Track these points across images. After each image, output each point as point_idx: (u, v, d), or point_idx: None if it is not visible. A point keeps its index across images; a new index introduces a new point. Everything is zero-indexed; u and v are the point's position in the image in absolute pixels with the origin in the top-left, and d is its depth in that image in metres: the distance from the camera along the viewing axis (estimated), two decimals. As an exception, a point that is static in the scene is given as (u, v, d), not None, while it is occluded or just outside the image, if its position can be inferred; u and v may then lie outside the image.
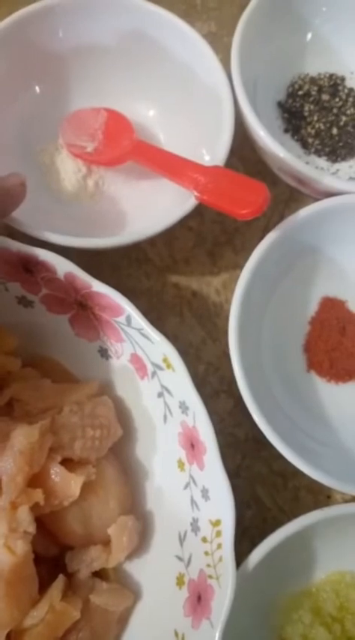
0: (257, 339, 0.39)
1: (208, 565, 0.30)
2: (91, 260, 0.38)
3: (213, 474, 0.30)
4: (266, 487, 0.40)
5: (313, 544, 0.36)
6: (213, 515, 0.31)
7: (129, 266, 0.43)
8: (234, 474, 0.39)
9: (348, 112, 0.45)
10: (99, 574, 0.34)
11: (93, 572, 0.33)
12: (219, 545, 0.30)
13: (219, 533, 0.30)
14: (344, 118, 0.45)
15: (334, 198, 0.37)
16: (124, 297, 0.31)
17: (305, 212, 0.37)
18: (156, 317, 0.42)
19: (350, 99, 0.46)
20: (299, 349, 0.42)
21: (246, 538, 0.38)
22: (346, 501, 0.39)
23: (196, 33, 0.39)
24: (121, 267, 0.43)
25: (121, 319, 0.32)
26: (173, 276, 0.43)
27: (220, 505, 0.30)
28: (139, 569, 0.34)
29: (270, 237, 0.36)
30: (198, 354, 0.41)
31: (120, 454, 0.36)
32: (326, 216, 0.38)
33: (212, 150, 0.38)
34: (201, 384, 0.39)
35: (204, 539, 0.31)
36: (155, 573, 0.34)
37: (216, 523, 0.30)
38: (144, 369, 0.34)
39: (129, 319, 0.32)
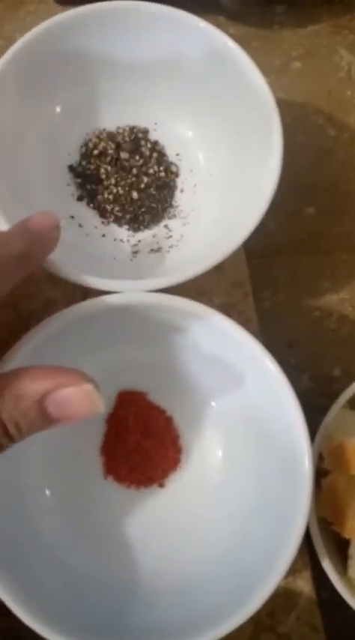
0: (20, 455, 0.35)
1: None
2: None
3: None
4: None
5: None
6: None
7: None
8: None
9: (150, 170, 0.41)
10: None
11: None
12: None
13: None
14: (145, 179, 0.40)
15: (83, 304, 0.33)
16: None
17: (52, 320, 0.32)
18: None
19: (155, 154, 0.41)
20: (96, 452, 0.37)
21: None
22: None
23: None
24: None
25: None
26: None
27: None
28: None
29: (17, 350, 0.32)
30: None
31: None
32: (93, 319, 0.33)
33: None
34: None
35: None
36: None
37: None
38: None
39: None
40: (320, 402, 0.42)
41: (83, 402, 0.25)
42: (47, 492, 0.35)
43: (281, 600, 0.37)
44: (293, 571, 0.37)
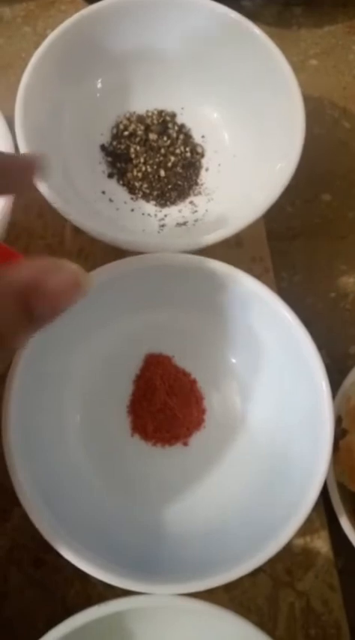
0: (57, 412, 0.37)
1: None
2: None
3: None
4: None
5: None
6: None
7: None
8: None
9: (177, 151, 0.43)
10: None
11: None
12: None
13: None
14: (172, 159, 0.43)
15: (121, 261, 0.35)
16: None
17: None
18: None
19: (181, 136, 0.43)
20: (123, 411, 0.39)
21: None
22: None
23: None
24: None
25: None
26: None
27: None
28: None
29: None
30: None
31: None
32: (120, 280, 0.35)
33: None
34: None
35: None
36: None
37: None
38: None
39: None
40: (336, 378, 0.44)
41: (73, 288, 0.20)
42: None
43: (300, 559, 0.38)
44: (311, 531, 0.39)
